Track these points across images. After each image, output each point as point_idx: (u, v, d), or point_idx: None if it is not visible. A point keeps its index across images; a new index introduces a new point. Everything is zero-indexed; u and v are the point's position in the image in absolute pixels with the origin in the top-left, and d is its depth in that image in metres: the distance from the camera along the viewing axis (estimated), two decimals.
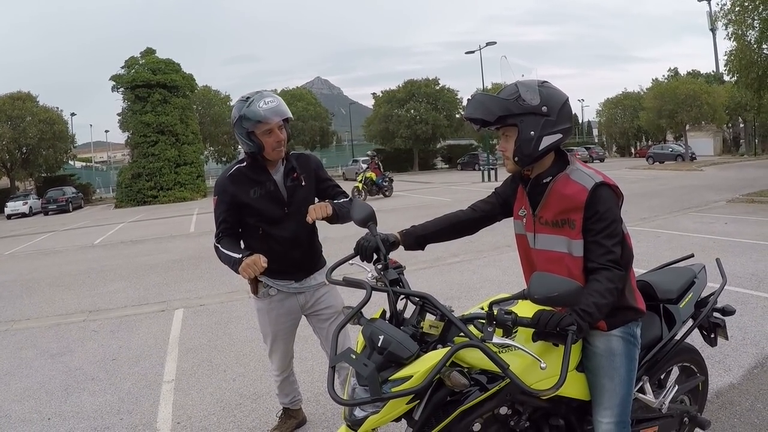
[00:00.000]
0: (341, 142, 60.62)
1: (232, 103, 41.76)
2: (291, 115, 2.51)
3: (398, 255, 2.03)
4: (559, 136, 1.79)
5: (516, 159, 1.83)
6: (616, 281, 1.70)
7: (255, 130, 2.41)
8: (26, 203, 29.58)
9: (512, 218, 2.08)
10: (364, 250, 1.96)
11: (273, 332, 2.74)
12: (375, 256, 1.96)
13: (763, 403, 3.02)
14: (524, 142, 1.78)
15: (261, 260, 2.30)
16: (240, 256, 2.38)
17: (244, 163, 2.60)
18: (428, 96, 43.50)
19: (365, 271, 1.92)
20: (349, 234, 2.65)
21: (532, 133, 1.76)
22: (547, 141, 1.77)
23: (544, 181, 1.88)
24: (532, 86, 1.78)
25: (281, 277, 2.65)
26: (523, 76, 1.89)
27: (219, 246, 2.52)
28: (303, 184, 2.63)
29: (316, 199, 2.72)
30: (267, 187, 2.55)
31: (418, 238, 2.13)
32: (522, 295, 1.57)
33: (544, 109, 1.76)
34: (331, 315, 2.73)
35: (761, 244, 7.32)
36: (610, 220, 1.74)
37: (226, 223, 2.57)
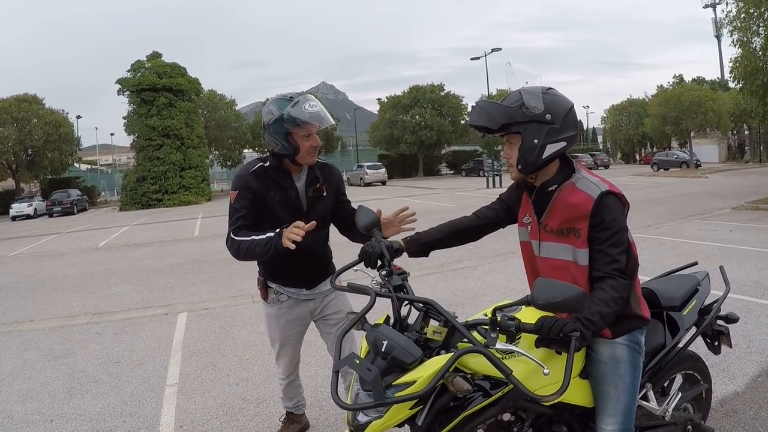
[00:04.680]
0: (346, 147, 60.72)
1: (237, 108, 42.10)
2: (333, 123, 2.47)
3: (402, 261, 2.04)
4: (563, 143, 1.78)
5: (520, 167, 1.83)
6: (620, 290, 1.70)
7: (295, 132, 2.35)
8: (31, 205, 29.67)
9: (516, 225, 2.08)
10: (368, 257, 1.97)
11: (281, 338, 2.73)
12: (379, 263, 1.97)
13: None
14: (528, 150, 1.77)
15: (301, 224, 2.19)
16: (273, 233, 2.26)
17: (268, 163, 2.50)
18: (433, 102, 43.55)
19: (369, 278, 1.93)
20: None
21: (536, 141, 1.75)
22: (551, 149, 1.77)
23: (550, 189, 1.87)
24: (536, 93, 1.77)
25: (293, 285, 2.63)
26: (527, 82, 1.89)
27: (235, 237, 2.36)
28: (324, 194, 2.57)
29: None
30: (288, 194, 2.48)
31: (422, 245, 2.13)
32: (525, 301, 1.56)
33: (548, 116, 1.75)
34: (339, 320, 2.70)
35: (766, 251, 7.30)
36: (615, 229, 1.74)
37: (245, 219, 2.41)
